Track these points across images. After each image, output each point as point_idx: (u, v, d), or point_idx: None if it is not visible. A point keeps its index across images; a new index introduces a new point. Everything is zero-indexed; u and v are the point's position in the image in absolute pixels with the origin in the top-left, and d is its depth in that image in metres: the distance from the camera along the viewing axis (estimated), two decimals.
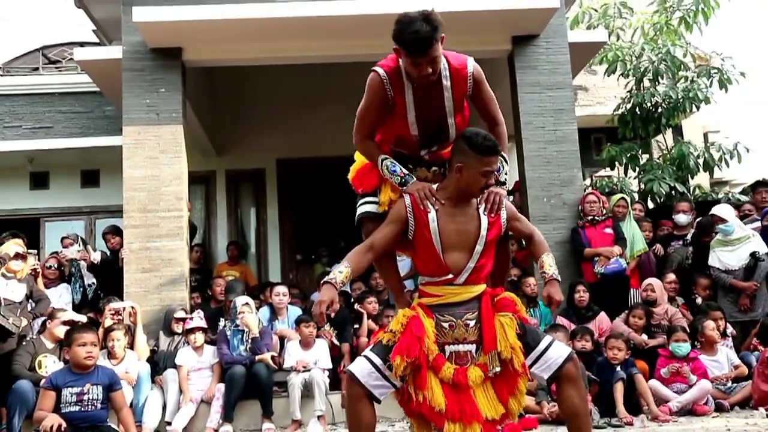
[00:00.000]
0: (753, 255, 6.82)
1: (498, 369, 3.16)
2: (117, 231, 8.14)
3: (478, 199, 3.31)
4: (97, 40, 11.24)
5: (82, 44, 12.27)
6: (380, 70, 3.34)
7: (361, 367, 3.17)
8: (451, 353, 3.21)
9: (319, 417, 6.40)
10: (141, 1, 7.81)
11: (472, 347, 3.23)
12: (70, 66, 12.29)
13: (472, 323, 3.24)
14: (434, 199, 3.26)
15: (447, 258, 3.24)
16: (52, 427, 4.74)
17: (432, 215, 3.24)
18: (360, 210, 3.65)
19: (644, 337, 6.63)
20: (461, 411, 3.09)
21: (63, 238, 8.66)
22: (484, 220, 3.29)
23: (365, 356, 3.22)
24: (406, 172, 3.39)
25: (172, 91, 7.87)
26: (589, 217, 7.57)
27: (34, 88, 12.29)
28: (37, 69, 13.30)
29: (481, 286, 3.33)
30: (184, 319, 6.84)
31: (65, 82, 12.23)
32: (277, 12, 7.50)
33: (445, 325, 3.23)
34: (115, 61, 8.09)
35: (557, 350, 3.22)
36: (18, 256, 6.70)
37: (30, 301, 6.75)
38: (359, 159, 3.75)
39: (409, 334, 3.15)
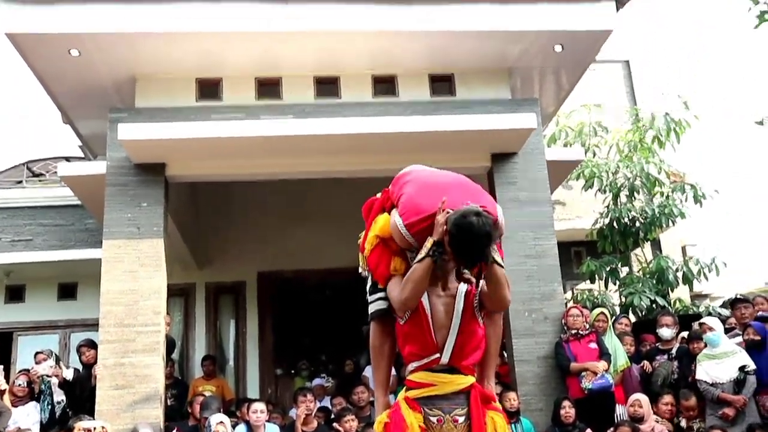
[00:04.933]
0: (742, 369, 6.80)
1: None
2: (92, 344, 7.96)
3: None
4: (83, 155, 11.40)
5: (68, 158, 12.43)
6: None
7: None
8: None
9: None
10: (126, 118, 8.01)
11: None
12: (53, 180, 12.39)
13: (461, 419, 3.16)
14: None
15: (436, 335, 3.21)
16: None
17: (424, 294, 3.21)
18: (373, 307, 3.53)
19: None
20: None
21: (36, 354, 8.44)
22: (460, 293, 3.25)
23: None
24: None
25: (154, 205, 7.90)
26: (573, 331, 7.53)
27: (17, 201, 12.38)
28: (20, 182, 13.41)
29: (469, 378, 3.26)
30: None
31: (48, 195, 12.32)
32: (259, 130, 7.65)
33: (434, 419, 3.16)
34: (98, 176, 8.15)
35: None
36: None
37: None
38: (379, 230, 3.47)
39: None
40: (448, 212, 3.05)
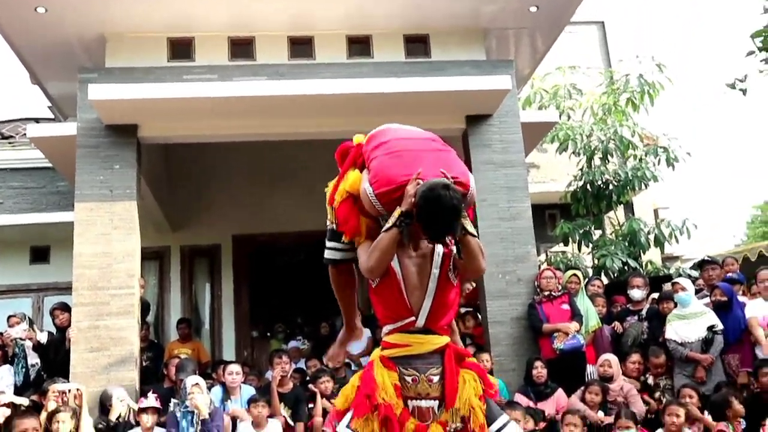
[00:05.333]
0: (710, 329, 6.92)
1: (459, 425, 3.12)
2: (66, 308, 7.96)
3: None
4: (52, 116, 11.24)
5: (37, 120, 12.24)
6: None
7: None
8: (413, 408, 3.15)
9: None
10: (97, 78, 7.89)
11: (435, 403, 3.17)
12: (23, 141, 12.19)
13: (435, 378, 3.19)
14: None
15: (409, 298, 3.22)
16: None
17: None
18: (327, 253, 3.60)
19: (600, 414, 6.59)
20: None
21: (9, 317, 8.39)
22: (437, 255, 3.27)
23: None
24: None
25: (127, 168, 7.84)
26: (546, 293, 7.60)
27: None
28: None
29: (444, 338, 3.28)
30: None
31: (18, 157, 12.12)
32: (232, 91, 7.58)
33: (408, 379, 3.19)
34: (69, 138, 8.06)
35: None
36: None
37: None
38: (349, 186, 3.44)
39: (360, 394, 3.16)
40: (419, 183, 3.04)
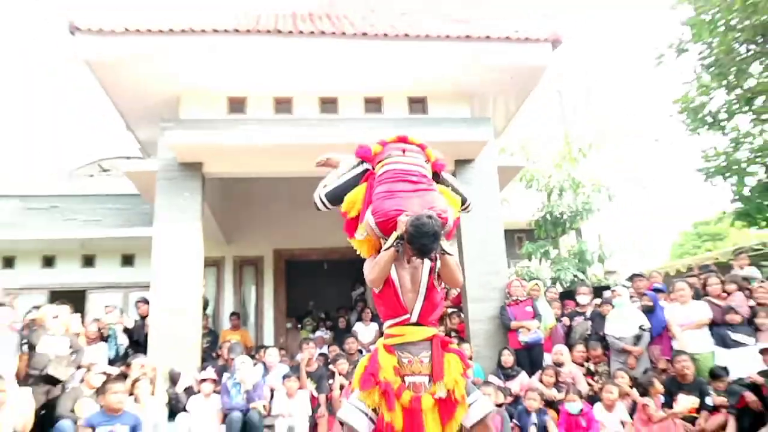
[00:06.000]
0: (640, 327, 6.92)
1: (443, 394, 3.13)
2: (146, 301, 8.02)
3: None
4: (140, 155, 11.37)
5: (128, 157, 12.39)
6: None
7: (353, 415, 3.15)
8: (409, 383, 3.17)
9: None
10: (173, 127, 7.99)
11: (425, 379, 3.19)
12: (118, 174, 12.32)
13: (426, 360, 3.22)
14: None
15: (404, 299, 3.25)
16: None
17: (392, 267, 3.26)
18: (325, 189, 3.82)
19: (554, 391, 6.59)
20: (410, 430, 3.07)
21: (105, 307, 8.49)
22: (426, 267, 3.30)
23: (352, 404, 3.20)
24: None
25: (194, 196, 7.91)
26: (514, 298, 7.61)
27: (90, 190, 12.45)
28: (93, 176, 13.39)
29: (432, 330, 3.31)
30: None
31: (113, 186, 12.33)
32: (274, 138, 7.66)
33: (405, 360, 3.21)
34: (151, 172, 8.16)
35: (481, 405, 3.21)
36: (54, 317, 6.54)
37: (72, 352, 6.56)
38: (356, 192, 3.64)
39: (366, 373, 3.20)
40: (407, 215, 3.16)
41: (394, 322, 3.32)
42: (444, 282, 3.37)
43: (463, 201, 3.73)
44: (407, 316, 3.27)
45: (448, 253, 3.24)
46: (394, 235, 3.18)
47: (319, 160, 3.94)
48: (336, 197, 3.70)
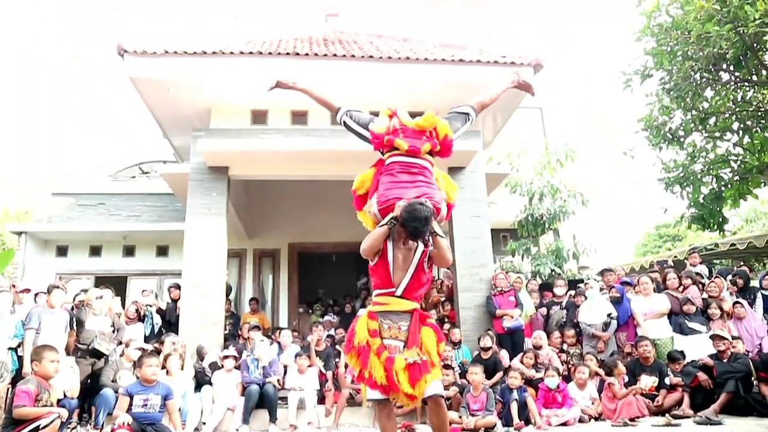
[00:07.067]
0: (608, 315, 6.92)
1: (416, 359, 3.10)
2: (178, 287, 8.02)
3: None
4: (175, 159, 11.40)
5: (164, 161, 12.43)
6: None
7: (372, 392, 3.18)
8: (388, 345, 3.16)
9: (309, 423, 6.23)
10: (204, 135, 8.03)
11: (401, 344, 3.17)
12: (156, 175, 12.44)
13: (404, 327, 3.20)
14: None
15: (395, 275, 3.23)
16: (123, 422, 4.70)
17: (389, 246, 3.25)
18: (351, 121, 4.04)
19: (533, 371, 6.59)
20: (390, 384, 3.07)
21: (142, 291, 8.54)
22: (419, 250, 3.26)
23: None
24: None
25: (220, 195, 7.92)
26: (499, 289, 7.62)
27: (131, 189, 12.61)
28: (134, 177, 13.42)
29: (414, 304, 3.28)
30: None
31: (151, 186, 12.41)
32: (291, 146, 7.69)
33: (386, 325, 3.20)
34: (184, 174, 8.20)
35: (438, 386, 3.18)
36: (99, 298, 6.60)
37: (114, 329, 6.61)
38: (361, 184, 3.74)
39: (347, 339, 3.31)
40: (404, 200, 3.19)
41: (382, 292, 3.30)
42: (435, 262, 3.35)
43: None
44: (394, 289, 3.25)
45: (440, 235, 3.27)
46: (390, 216, 3.21)
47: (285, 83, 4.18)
48: (347, 128, 3.93)
